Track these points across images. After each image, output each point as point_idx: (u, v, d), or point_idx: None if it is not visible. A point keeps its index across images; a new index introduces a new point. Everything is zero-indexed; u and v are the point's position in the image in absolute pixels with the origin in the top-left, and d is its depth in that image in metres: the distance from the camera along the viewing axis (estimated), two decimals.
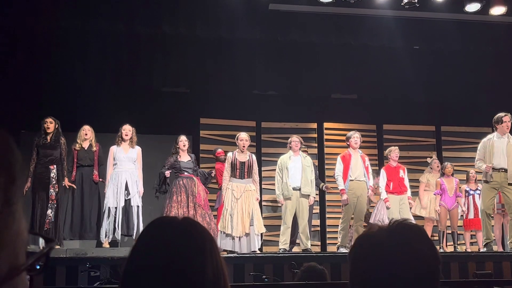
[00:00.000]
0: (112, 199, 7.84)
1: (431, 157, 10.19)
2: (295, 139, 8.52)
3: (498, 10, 8.98)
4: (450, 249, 9.48)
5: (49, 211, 7.59)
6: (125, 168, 8.00)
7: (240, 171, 8.01)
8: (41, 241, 0.82)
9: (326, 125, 11.02)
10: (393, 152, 9.16)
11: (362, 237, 1.46)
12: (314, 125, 11.10)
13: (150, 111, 10.02)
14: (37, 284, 5.99)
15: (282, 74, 10.13)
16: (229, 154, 8.16)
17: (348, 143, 8.56)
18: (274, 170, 9.96)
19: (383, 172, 9.11)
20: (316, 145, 10.98)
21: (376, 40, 9.65)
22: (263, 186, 10.27)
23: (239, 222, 7.76)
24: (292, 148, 8.49)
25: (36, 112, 8.71)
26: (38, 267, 0.79)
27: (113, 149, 8.11)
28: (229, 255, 7.35)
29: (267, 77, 10.08)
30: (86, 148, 8.13)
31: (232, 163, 8.01)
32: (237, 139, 8.21)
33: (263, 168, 10.43)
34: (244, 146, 8.09)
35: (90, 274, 6.41)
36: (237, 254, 7.56)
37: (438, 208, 9.33)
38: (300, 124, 10.99)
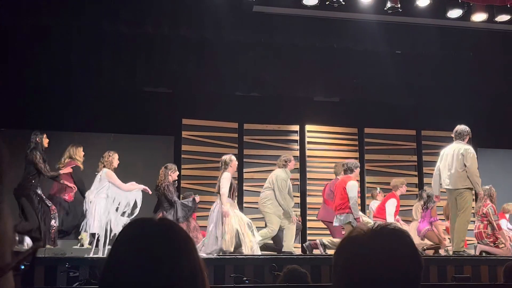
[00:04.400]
0: (104, 211, 7.61)
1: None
2: (293, 160, 8.78)
3: (479, 17, 9.08)
4: (429, 252, 9.54)
5: (52, 222, 7.63)
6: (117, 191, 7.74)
7: (234, 192, 8.05)
8: (28, 241, 0.81)
9: (308, 127, 11.05)
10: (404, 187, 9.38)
11: (345, 240, 1.46)
12: (296, 127, 11.12)
13: (132, 111, 9.95)
14: (15, 284, 5.91)
15: (265, 76, 10.12)
16: (231, 180, 7.98)
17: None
18: (256, 172, 9.99)
19: (394, 200, 9.14)
20: (297, 147, 11.00)
21: (359, 44, 9.71)
22: (244, 188, 10.27)
23: (245, 236, 7.72)
24: (289, 167, 8.61)
25: (15, 110, 8.60)
26: (23, 267, 0.78)
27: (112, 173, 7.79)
28: (209, 256, 7.33)
29: (250, 79, 10.08)
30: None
31: (231, 185, 7.93)
32: (230, 161, 8.01)
33: (244, 170, 10.43)
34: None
35: (69, 275, 6.34)
36: (217, 255, 7.54)
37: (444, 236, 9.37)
38: (282, 126, 11.02)
